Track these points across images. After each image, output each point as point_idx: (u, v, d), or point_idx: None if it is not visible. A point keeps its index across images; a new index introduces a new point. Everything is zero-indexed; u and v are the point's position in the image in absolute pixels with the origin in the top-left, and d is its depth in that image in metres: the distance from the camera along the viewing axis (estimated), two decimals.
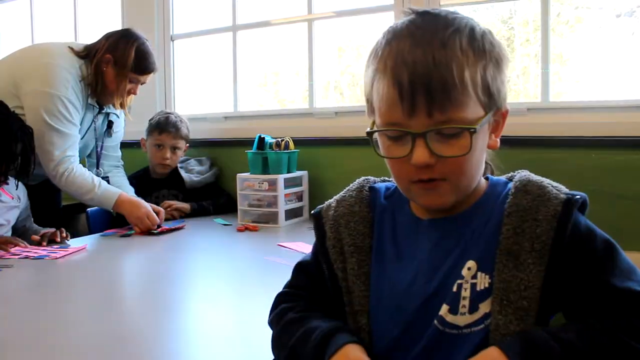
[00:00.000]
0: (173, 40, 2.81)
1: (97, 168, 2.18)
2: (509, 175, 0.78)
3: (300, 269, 0.85)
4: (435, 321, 0.69)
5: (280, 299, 0.82)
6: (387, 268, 0.75)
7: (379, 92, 0.69)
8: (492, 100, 0.69)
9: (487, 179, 0.78)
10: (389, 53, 0.68)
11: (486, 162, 0.82)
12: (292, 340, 0.72)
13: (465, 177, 0.70)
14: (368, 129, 0.73)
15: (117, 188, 2.09)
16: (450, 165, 0.68)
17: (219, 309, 1.17)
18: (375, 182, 0.84)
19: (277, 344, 0.76)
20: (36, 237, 1.73)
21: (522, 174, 0.74)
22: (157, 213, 1.99)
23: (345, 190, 0.83)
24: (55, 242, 1.74)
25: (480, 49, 0.68)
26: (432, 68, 0.64)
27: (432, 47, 0.65)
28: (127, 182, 2.23)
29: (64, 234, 1.78)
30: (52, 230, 1.79)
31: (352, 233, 0.78)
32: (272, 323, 0.80)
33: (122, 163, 2.31)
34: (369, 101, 0.73)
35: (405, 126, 0.67)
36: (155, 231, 1.94)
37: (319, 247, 0.80)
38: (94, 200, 1.95)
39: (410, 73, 0.65)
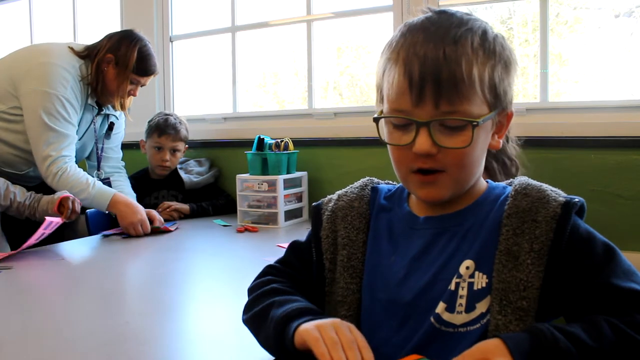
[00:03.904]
0: (172, 41, 2.81)
1: (98, 170, 2.17)
2: (508, 181, 0.79)
3: (294, 249, 0.87)
4: (432, 318, 0.69)
5: (268, 271, 0.85)
6: (382, 263, 0.77)
7: (389, 80, 0.71)
8: (497, 100, 0.71)
9: (487, 182, 0.79)
10: (403, 44, 0.70)
11: (511, 159, 0.82)
12: (272, 300, 0.75)
13: (463, 171, 0.71)
14: (375, 116, 0.75)
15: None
16: (450, 157, 0.69)
17: (218, 309, 1.17)
18: (378, 184, 0.86)
19: (252, 305, 0.78)
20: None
21: (521, 179, 0.76)
22: (152, 218, 1.99)
23: (348, 187, 0.86)
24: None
25: (491, 49, 0.70)
26: (443, 62, 0.67)
27: (444, 43, 0.68)
28: (129, 187, 2.22)
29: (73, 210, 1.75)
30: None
31: (348, 226, 0.80)
32: (252, 288, 0.82)
33: (124, 164, 2.30)
34: (379, 90, 0.75)
35: (411, 114, 0.69)
36: (161, 229, 1.96)
37: (313, 236, 0.83)
38: (87, 200, 1.91)
39: (421, 64, 0.67)
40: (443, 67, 0.66)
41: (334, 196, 0.85)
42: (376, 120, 0.74)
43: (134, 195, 2.18)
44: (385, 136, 0.74)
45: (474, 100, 0.68)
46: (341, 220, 0.81)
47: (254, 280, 0.84)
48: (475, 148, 0.70)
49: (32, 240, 1.61)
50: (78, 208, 1.78)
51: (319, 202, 0.86)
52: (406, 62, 0.68)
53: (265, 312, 0.74)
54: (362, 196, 0.82)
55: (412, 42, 0.69)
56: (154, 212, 2.02)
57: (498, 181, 0.81)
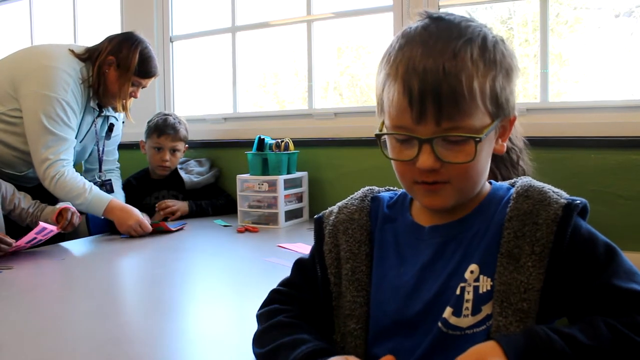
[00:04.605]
0: (172, 42, 2.81)
1: (100, 171, 2.18)
2: (512, 181, 0.79)
3: (298, 267, 0.86)
4: (439, 323, 0.69)
5: (273, 297, 0.84)
6: (389, 274, 0.76)
7: (389, 96, 0.70)
8: (500, 109, 0.70)
9: (490, 183, 0.79)
10: (401, 59, 0.69)
11: (519, 153, 0.77)
12: (279, 342, 0.73)
13: (468, 182, 0.71)
14: (377, 131, 0.74)
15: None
16: (454, 170, 0.69)
17: (219, 310, 1.17)
18: (379, 192, 0.86)
19: (261, 339, 0.77)
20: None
21: (524, 180, 0.76)
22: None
23: (349, 197, 0.85)
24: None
25: (491, 59, 0.69)
26: (442, 78, 0.65)
27: (443, 57, 0.66)
28: (119, 187, 2.23)
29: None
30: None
31: (349, 240, 0.79)
32: (260, 317, 0.81)
33: (119, 165, 2.31)
34: (380, 103, 0.74)
35: (412, 131, 0.69)
36: (160, 225, 1.96)
37: (316, 251, 0.82)
38: (84, 205, 1.90)
39: (420, 81, 0.66)
40: (443, 83, 0.65)
41: (335, 208, 0.84)
42: (378, 136, 0.74)
43: (123, 194, 2.20)
44: (388, 149, 0.74)
45: (475, 114, 0.68)
46: (342, 233, 0.80)
47: (261, 307, 0.83)
48: (479, 160, 0.70)
49: (22, 242, 1.61)
50: (76, 221, 1.82)
51: (321, 214, 0.85)
52: (405, 78, 0.67)
53: (274, 357, 0.73)
54: (362, 208, 0.82)
55: (410, 56, 0.68)
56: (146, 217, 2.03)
57: (495, 168, 0.80)
